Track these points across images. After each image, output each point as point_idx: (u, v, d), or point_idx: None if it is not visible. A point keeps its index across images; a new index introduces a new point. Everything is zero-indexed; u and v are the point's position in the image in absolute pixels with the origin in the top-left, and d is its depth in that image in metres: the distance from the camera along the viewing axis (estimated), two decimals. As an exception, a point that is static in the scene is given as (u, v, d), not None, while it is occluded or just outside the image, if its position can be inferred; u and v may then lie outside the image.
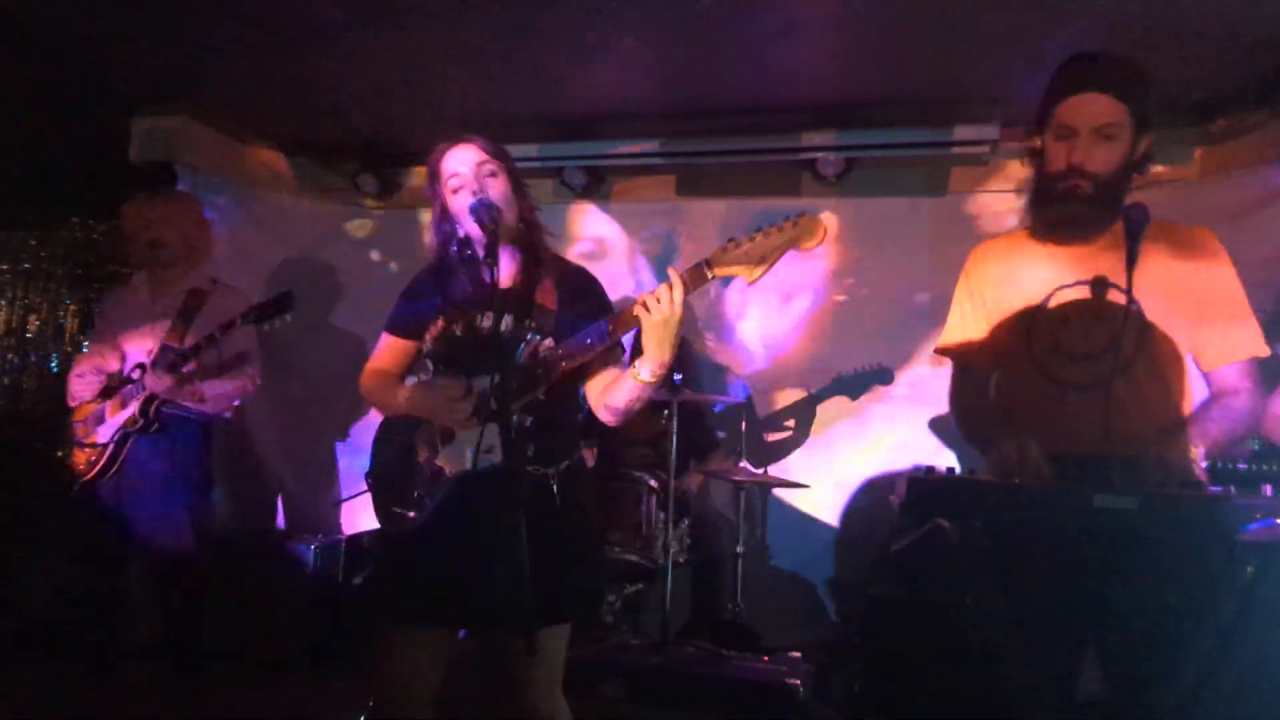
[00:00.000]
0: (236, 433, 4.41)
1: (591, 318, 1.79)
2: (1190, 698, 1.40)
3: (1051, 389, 1.86)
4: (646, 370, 1.71)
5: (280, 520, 4.61)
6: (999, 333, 1.98)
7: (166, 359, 2.94)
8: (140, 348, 3.10)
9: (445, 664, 1.83)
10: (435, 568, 1.77)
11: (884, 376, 3.96)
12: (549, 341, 1.81)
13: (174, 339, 3.03)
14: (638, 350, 1.73)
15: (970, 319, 2.04)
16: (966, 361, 2.08)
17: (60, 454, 3.14)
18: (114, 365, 3.15)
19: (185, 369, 2.96)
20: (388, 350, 2.02)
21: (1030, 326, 1.91)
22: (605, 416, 1.87)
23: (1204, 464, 1.61)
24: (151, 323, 3.13)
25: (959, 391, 2.10)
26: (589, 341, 1.75)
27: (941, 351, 2.11)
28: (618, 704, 2.60)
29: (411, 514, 1.81)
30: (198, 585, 3.11)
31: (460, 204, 1.82)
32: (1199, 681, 1.39)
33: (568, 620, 1.85)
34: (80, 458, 3.03)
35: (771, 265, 1.62)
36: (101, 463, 2.98)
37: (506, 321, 1.81)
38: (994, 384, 2.07)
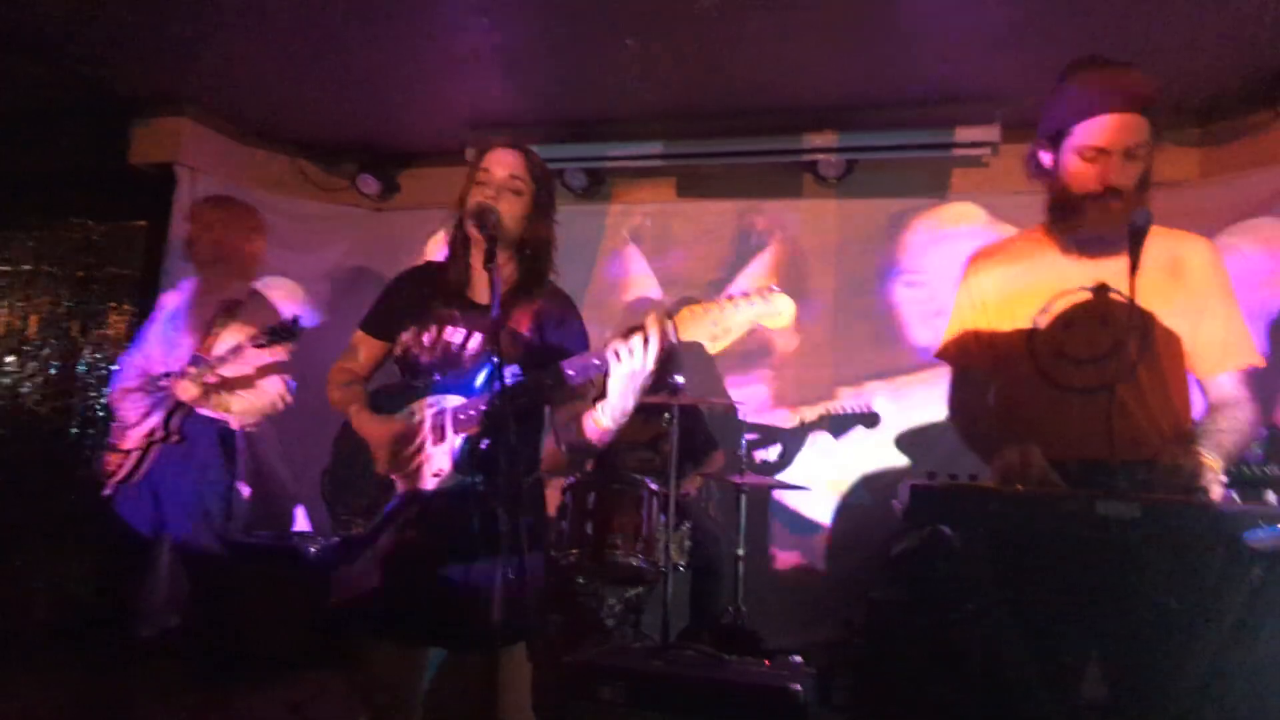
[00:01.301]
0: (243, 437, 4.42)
1: (563, 352, 1.75)
2: (1194, 706, 1.39)
3: (1054, 393, 1.85)
4: (607, 416, 1.69)
5: (306, 524, 4.62)
6: (1000, 337, 1.97)
7: (192, 369, 2.95)
8: (175, 353, 3.10)
9: (420, 667, 1.81)
10: (384, 581, 1.76)
11: (870, 420, 3.97)
12: (513, 368, 1.77)
13: (205, 349, 3.04)
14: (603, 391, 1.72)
15: (970, 323, 2.03)
16: (966, 365, 2.07)
17: (59, 454, 3.14)
18: (158, 368, 3.14)
19: (210, 380, 2.97)
20: (360, 349, 1.97)
21: (1033, 331, 1.90)
22: (561, 447, 1.84)
23: (1224, 476, 1.61)
24: (189, 329, 3.14)
25: (958, 395, 2.10)
26: (549, 383, 1.71)
27: (941, 355, 2.11)
28: (618, 708, 2.58)
29: (359, 522, 1.80)
30: (220, 592, 3.12)
31: (474, 198, 1.81)
32: (1203, 689, 1.39)
33: (517, 641, 1.79)
34: (111, 460, 3.04)
35: (733, 339, 1.60)
36: (127, 467, 3.00)
37: (475, 340, 1.80)
38: (993, 388, 2.06)
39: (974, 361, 2.04)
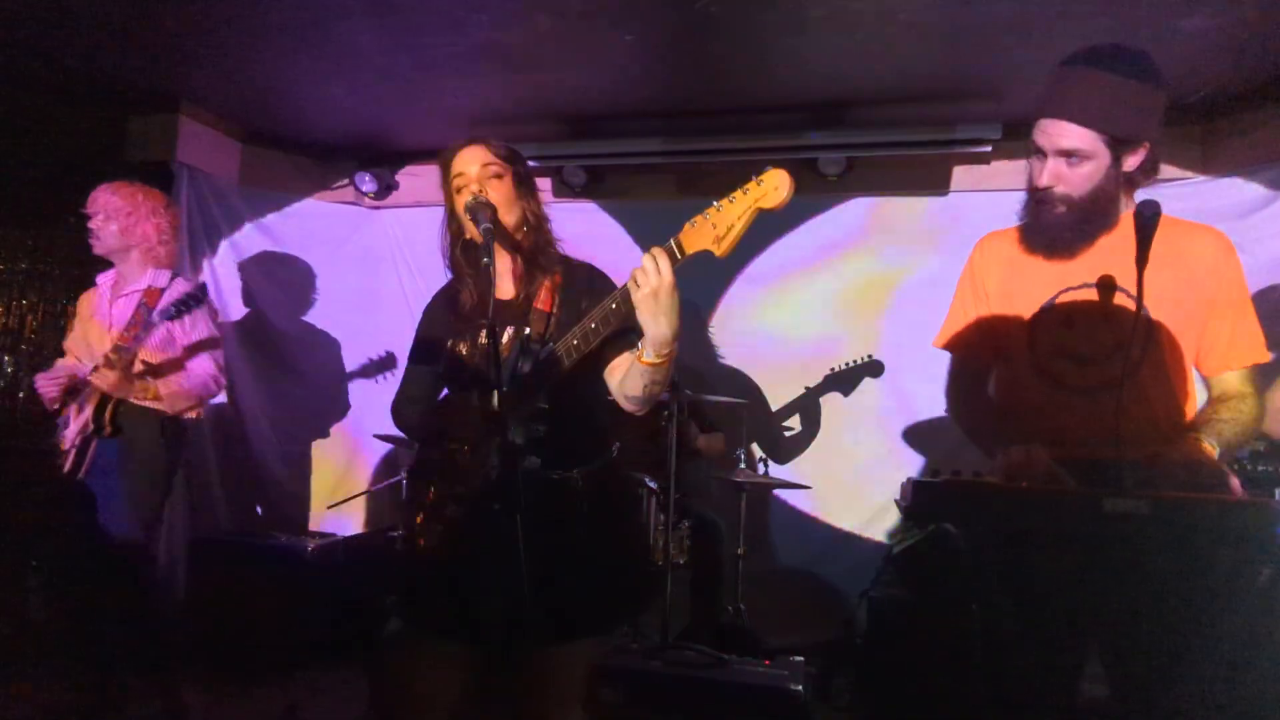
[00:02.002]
0: (234, 431, 4.40)
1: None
2: (1202, 705, 1.37)
3: (1053, 391, 1.83)
4: (650, 349, 1.65)
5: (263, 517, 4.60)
6: (1000, 329, 1.95)
7: (110, 358, 2.92)
8: (102, 348, 3.05)
9: (465, 678, 1.80)
10: (452, 584, 1.74)
11: (874, 369, 3.99)
12: (547, 346, 1.77)
13: (127, 339, 2.97)
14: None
15: (972, 313, 2.00)
16: (965, 356, 2.05)
17: (55, 454, 3.11)
18: (86, 368, 3.10)
19: (133, 368, 2.93)
20: (414, 378, 2.01)
21: (1034, 327, 1.88)
22: (627, 407, 1.82)
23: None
24: (111, 323, 3.10)
25: (956, 386, 2.07)
26: (575, 342, 1.71)
27: (941, 345, 2.08)
28: (618, 708, 2.57)
29: (429, 531, 1.79)
30: (152, 588, 3.08)
31: (460, 204, 1.81)
32: (1211, 688, 1.37)
33: (588, 635, 1.80)
34: (59, 459, 3.01)
35: (739, 235, 1.55)
36: (68, 466, 2.97)
37: (506, 334, 1.80)
38: (992, 380, 2.04)
39: (974, 351, 2.02)
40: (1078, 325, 1.83)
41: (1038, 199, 1.81)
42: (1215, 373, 1.85)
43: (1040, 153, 1.78)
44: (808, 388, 4.17)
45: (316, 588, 3.73)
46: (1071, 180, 1.75)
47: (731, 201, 1.55)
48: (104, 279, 3.27)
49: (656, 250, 1.60)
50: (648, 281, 1.57)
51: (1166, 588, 1.41)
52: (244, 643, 3.55)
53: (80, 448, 2.96)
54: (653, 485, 3.35)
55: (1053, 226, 1.81)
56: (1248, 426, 1.79)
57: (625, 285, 1.64)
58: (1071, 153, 1.73)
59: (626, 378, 1.77)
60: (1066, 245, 1.82)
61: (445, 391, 1.97)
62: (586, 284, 1.88)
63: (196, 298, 2.90)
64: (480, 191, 1.79)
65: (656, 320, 1.59)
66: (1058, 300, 1.86)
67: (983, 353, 2.01)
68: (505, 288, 1.89)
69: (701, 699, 2.54)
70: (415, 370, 2.01)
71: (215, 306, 3.45)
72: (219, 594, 3.64)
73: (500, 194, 1.82)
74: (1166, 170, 3.82)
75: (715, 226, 1.56)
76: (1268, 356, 1.85)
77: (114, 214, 3.09)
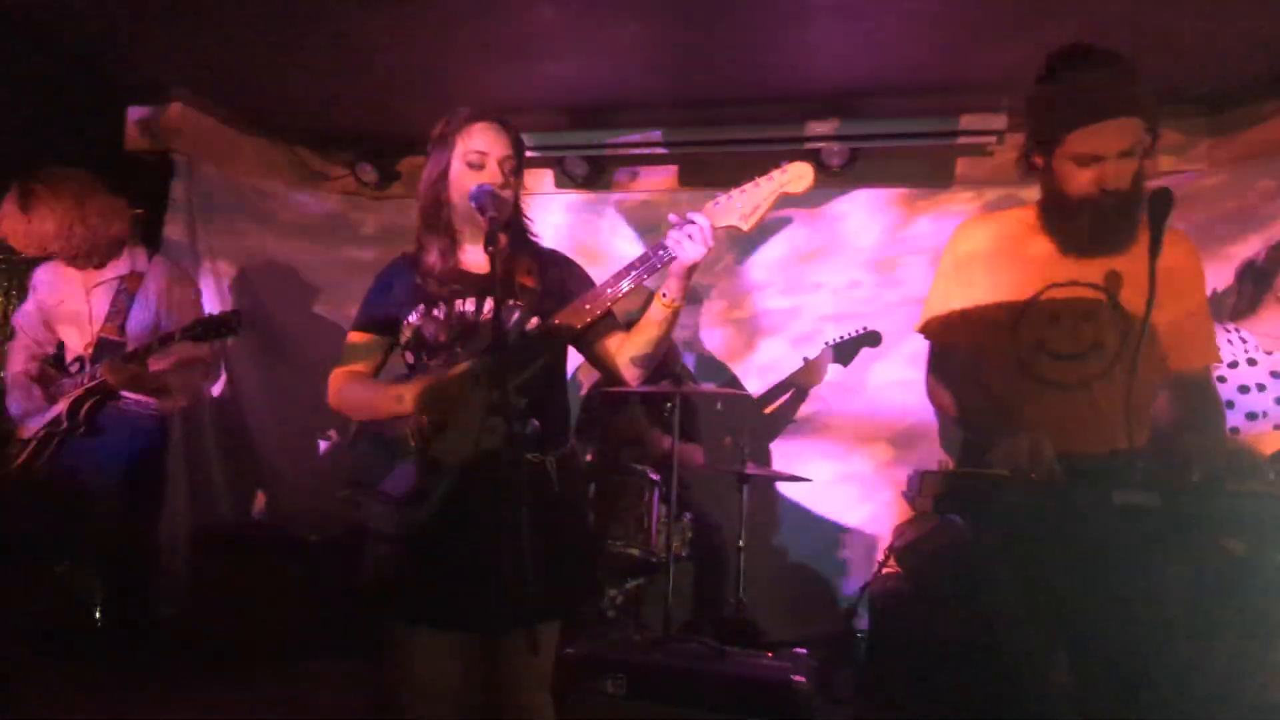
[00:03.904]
0: (235, 425, 4.39)
1: (574, 294, 1.82)
2: (1213, 696, 1.37)
3: (1044, 388, 1.83)
4: (673, 284, 1.74)
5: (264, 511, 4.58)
6: (984, 318, 1.92)
7: (114, 355, 2.77)
8: (76, 336, 2.90)
9: (463, 660, 1.79)
10: (439, 566, 1.73)
11: (872, 339, 3.98)
12: (534, 320, 1.80)
13: (111, 330, 2.86)
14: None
15: (955, 297, 1.98)
16: (947, 340, 2.02)
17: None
18: (50, 350, 2.98)
19: (149, 363, 2.84)
20: (362, 349, 1.93)
21: (1018, 320, 1.86)
22: (628, 374, 1.86)
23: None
24: (86, 309, 2.91)
25: (939, 372, 2.05)
26: (591, 314, 1.76)
27: (923, 331, 2.06)
28: (619, 700, 2.56)
29: (412, 511, 1.76)
30: (141, 586, 3.02)
31: (467, 180, 1.81)
32: (1222, 680, 1.36)
33: (566, 615, 1.86)
34: (12, 449, 2.87)
35: (765, 214, 1.69)
36: (23, 458, 2.81)
37: (489, 304, 1.81)
38: (974, 367, 2.02)
39: (956, 338, 1.99)
40: (1063, 320, 1.82)
41: (1089, 202, 1.75)
42: (1179, 369, 1.87)
43: (1091, 160, 1.73)
44: (806, 359, 4.15)
45: (320, 577, 3.72)
46: (1126, 175, 1.72)
47: (757, 185, 1.68)
48: (54, 266, 3.04)
49: (698, 219, 1.70)
50: (699, 239, 1.67)
51: (1176, 580, 1.40)
52: (246, 632, 3.55)
53: (43, 440, 2.82)
54: (654, 477, 3.35)
55: (1110, 227, 1.77)
56: (1223, 429, 1.89)
57: (652, 251, 1.73)
58: (1134, 147, 1.70)
59: (631, 339, 1.83)
60: (1118, 243, 1.79)
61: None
62: (563, 268, 1.93)
63: (230, 328, 2.70)
64: (500, 184, 1.80)
65: (693, 242, 1.67)
66: (1045, 293, 1.84)
67: (965, 339, 1.98)
68: (476, 263, 1.89)
69: (703, 691, 2.54)
70: (367, 341, 1.92)
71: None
72: (220, 583, 3.64)
73: (509, 191, 1.84)
74: (1172, 162, 3.83)
75: (742, 206, 1.69)
76: (1220, 359, 1.98)
77: (88, 216, 2.87)
